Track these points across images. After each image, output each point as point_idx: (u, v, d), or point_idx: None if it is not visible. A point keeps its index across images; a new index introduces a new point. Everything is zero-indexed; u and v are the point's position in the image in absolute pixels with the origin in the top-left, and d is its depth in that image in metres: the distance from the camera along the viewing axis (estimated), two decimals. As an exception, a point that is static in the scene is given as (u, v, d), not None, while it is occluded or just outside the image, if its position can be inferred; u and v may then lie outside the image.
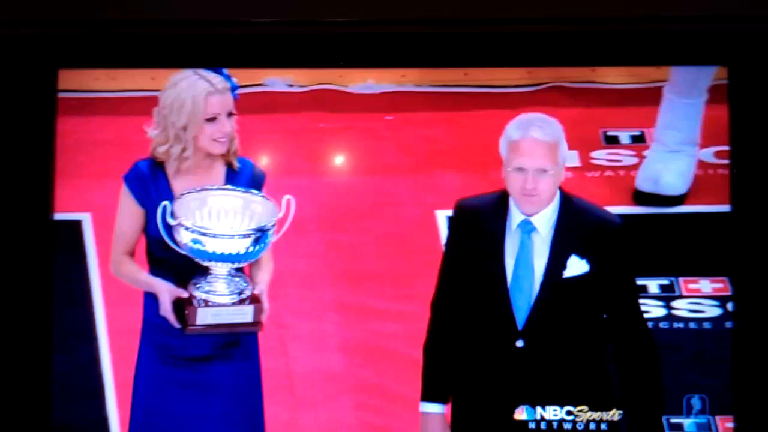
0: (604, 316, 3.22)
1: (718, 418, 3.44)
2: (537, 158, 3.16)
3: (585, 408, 3.31)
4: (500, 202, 3.24)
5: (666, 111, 3.57)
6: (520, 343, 3.19)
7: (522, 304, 3.19)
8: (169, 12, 3.58)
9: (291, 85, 3.58)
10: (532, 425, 3.30)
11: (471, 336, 3.23)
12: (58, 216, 3.53)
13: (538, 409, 3.29)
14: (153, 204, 3.27)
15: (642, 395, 3.25)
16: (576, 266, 3.21)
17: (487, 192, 3.29)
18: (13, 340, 3.48)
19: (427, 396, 3.27)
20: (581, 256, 3.20)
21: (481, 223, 3.25)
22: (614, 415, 3.33)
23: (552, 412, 3.30)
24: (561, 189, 3.22)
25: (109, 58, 3.58)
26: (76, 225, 3.52)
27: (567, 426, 3.32)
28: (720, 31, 3.58)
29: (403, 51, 3.58)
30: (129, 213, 3.31)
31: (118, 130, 3.54)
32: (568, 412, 3.31)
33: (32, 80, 3.57)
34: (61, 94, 3.57)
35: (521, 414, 3.29)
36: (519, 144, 3.17)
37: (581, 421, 3.32)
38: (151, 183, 3.31)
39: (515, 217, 3.22)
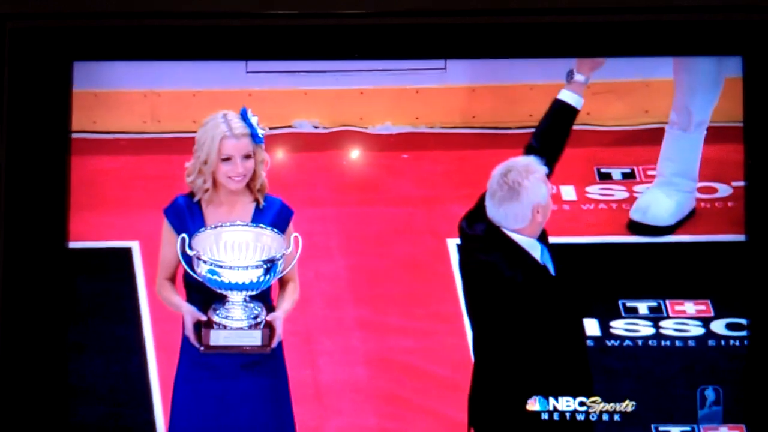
0: None
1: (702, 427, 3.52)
2: None
3: (598, 399, 3.40)
4: (506, 244, 3.38)
5: (665, 143, 3.63)
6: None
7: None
8: (183, 4, 3.57)
9: (317, 127, 3.65)
10: (544, 416, 3.40)
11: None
12: (111, 244, 3.61)
13: (551, 399, 3.38)
14: (189, 234, 3.41)
15: None
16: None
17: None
18: (32, 348, 3.53)
19: None
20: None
21: (517, 270, 3.38)
22: (627, 406, 3.41)
23: (565, 403, 3.39)
24: None
25: (122, 51, 3.59)
26: (127, 252, 3.62)
27: (580, 417, 3.41)
28: (735, 21, 3.53)
29: (418, 43, 3.59)
30: (169, 242, 3.44)
31: (163, 167, 3.65)
32: (581, 403, 3.40)
33: (47, 72, 3.55)
34: (111, 136, 3.64)
35: (534, 404, 3.39)
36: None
37: (594, 412, 3.40)
38: (187, 215, 3.44)
39: (533, 245, 3.41)
